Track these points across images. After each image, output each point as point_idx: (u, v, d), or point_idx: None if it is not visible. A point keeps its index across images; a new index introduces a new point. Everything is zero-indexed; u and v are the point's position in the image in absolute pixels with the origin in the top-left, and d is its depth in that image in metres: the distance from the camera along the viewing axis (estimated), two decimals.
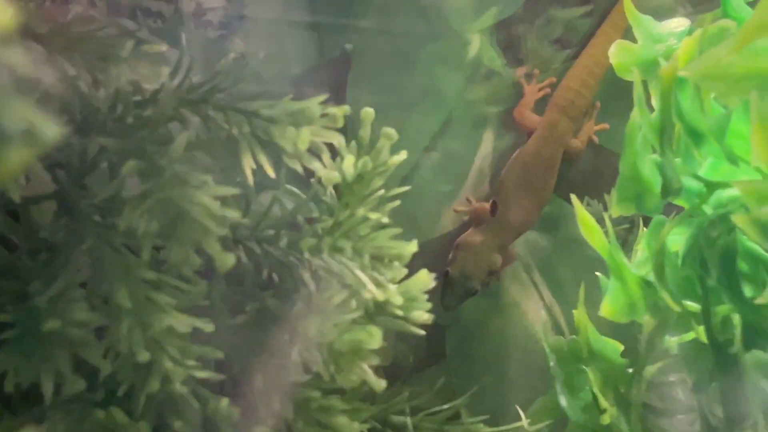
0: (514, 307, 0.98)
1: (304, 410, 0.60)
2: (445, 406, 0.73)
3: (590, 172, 1.01)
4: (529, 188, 0.96)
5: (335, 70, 0.95)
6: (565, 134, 0.98)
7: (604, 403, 0.73)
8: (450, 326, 0.96)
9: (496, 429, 0.74)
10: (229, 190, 0.55)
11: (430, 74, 0.99)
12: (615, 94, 1.00)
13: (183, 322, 0.55)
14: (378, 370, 0.65)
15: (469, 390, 0.79)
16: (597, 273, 0.73)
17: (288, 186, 0.65)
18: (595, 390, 0.74)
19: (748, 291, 0.62)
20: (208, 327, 0.56)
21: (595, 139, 1.00)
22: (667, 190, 0.63)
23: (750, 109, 0.52)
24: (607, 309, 0.71)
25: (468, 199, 0.99)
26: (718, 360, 0.62)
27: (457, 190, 0.99)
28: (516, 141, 1.00)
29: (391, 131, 0.65)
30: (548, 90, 1.01)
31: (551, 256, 1.00)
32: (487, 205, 0.96)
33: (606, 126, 1.00)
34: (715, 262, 0.62)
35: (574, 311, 0.74)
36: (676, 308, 0.64)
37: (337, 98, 0.64)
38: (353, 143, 0.65)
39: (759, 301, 0.53)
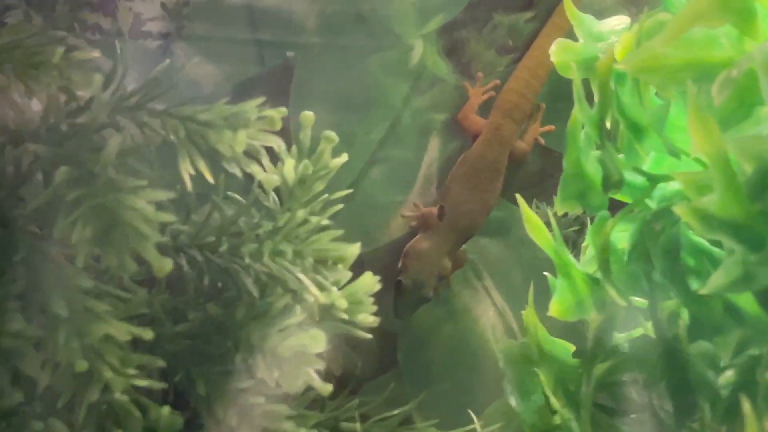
0: (465, 312, 0.97)
1: (248, 417, 0.59)
2: (396, 412, 0.72)
3: (538, 174, 1.01)
4: (476, 192, 0.96)
5: (277, 79, 0.95)
6: (510, 137, 0.98)
7: (555, 404, 0.73)
8: (401, 333, 0.96)
9: None
10: (164, 194, 0.54)
11: (375, 81, 0.99)
12: (560, 96, 1.00)
13: (122, 331, 0.54)
14: (329, 379, 0.65)
15: (421, 396, 0.78)
16: (545, 273, 0.73)
17: (229, 192, 0.64)
18: (547, 391, 0.74)
19: (693, 284, 0.62)
20: (147, 335, 0.55)
21: (541, 140, 1.00)
22: (608, 183, 0.63)
23: (687, 99, 0.52)
24: (555, 308, 0.71)
25: (415, 205, 0.98)
26: (665, 354, 0.61)
27: (405, 196, 0.99)
28: (462, 146, 1.00)
29: (331, 134, 0.65)
30: (492, 93, 1.01)
31: (501, 260, 1.00)
32: (435, 210, 0.95)
33: (551, 128, 1.00)
34: (660, 255, 0.61)
35: (523, 313, 0.74)
36: (623, 303, 0.63)
37: (280, 106, 0.63)
38: (294, 148, 0.64)
39: (703, 292, 0.53)
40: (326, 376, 0.64)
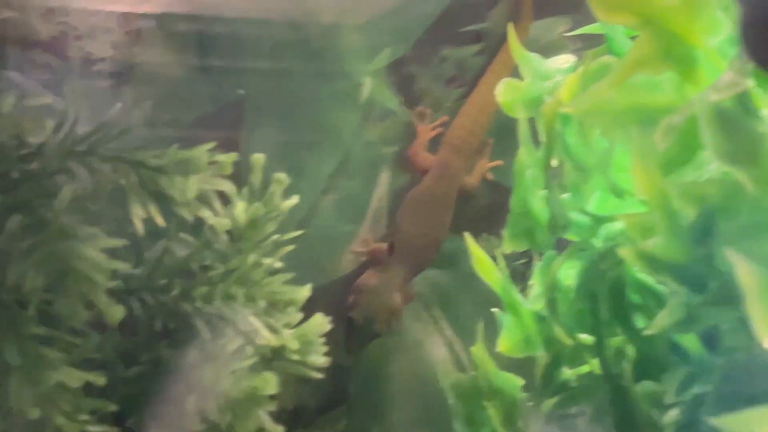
0: (416, 346, 0.98)
1: None
2: None
3: (487, 208, 1.02)
4: (426, 227, 0.97)
5: (229, 115, 0.95)
6: (459, 172, 0.99)
7: None
8: (353, 368, 0.96)
9: None
10: (117, 242, 0.54)
11: (325, 116, 0.99)
12: (509, 131, 1.01)
13: (74, 377, 0.54)
14: (281, 414, 0.65)
15: (372, 430, 0.78)
16: (494, 309, 0.73)
17: (181, 235, 0.64)
18: (496, 426, 0.74)
19: (639, 322, 0.63)
20: (99, 380, 0.55)
21: (489, 175, 1.01)
22: (555, 226, 0.64)
23: (631, 143, 0.53)
24: (503, 344, 0.71)
25: (366, 240, 0.99)
26: (612, 391, 0.62)
27: (355, 231, 0.99)
28: (412, 180, 1.01)
29: (282, 176, 0.65)
30: (441, 129, 1.02)
31: (451, 293, 1.00)
32: (385, 246, 0.96)
33: (500, 163, 1.02)
34: (606, 295, 0.62)
35: (472, 348, 0.74)
36: (570, 341, 0.64)
37: (232, 143, 0.63)
38: (245, 189, 0.65)
39: (648, 332, 0.54)
40: (278, 411, 0.65)
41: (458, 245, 1.00)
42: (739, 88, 0.49)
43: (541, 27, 1.08)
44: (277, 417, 0.67)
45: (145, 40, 0.89)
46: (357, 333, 0.91)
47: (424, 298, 1.00)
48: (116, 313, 0.53)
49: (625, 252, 0.54)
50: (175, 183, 0.58)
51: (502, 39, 1.04)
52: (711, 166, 0.57)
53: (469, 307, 0.99)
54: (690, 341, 0.58)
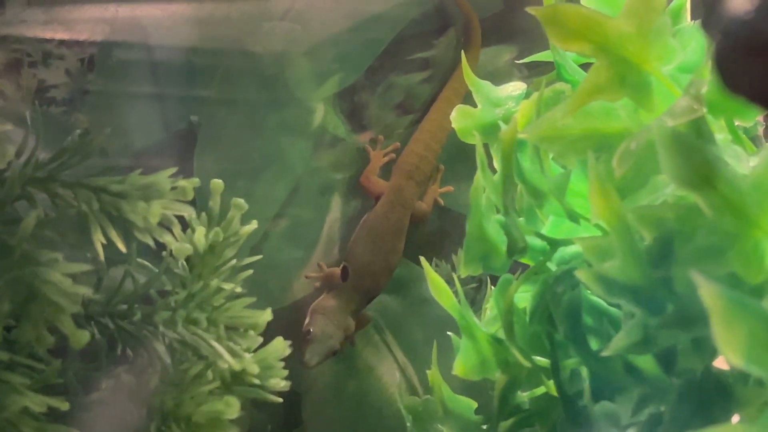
0: (368, 370, 0.98)
1: None
2: None
3: (437, 234, 1.03)
4: (379, 252, 0.97)
5: (181, 141, 0.95)
6: (412, 198, 1.00)
7: None
8: (306, 392, 0.97)
9: None
10: (81, 267, 0.54)
11: (276, 143, 1.00)
12: (459, 157, 1.03)
13: (38, 402, 0.54)
14: None
15: None
16: (449, 333, 0.74)
17: (140, 260, 0.64)
18: None
19: (594, 344, 0.64)
20: (63, 405, 0.55)
21: (440, 201, 1.02)
22: (513, 249, 0.65)
23: (588, 169, 0.54)
24: (459, 368, 0.72)
25: (319, 265, 0.99)
26: (568, 413, 0.63)
27: (308, 257, 1.00)
28: (364, 205, 1.02)
29: (241, 202, 0.66)
30: (393, 155, 1.03)
31: (402, 318, 1.01)
32: (338, 271, 0.97)
33: (450, 189, 1.03)
34: (561, 317, 0.63)
35: (427, 371, 0.75)
36: (526, 364, 0.65)
37: (184, 169, 0.63)
38: (203, 215, 0.65)
39: (605, 354, 0.55)
40: None
41: (408, 272, 1.01)
42: (695, 113, 0.51)
43: (489, 54, 1.09)
44: None
45: (97, 68, 0.89)
46: (315, 347, 0.91)
47: (376, 324, 1.01)
48: (81, 338, 0.53)
49: (582, 274, 0.55)
50: (137, 208, 0.58)
51: (450, 67, 1.05)
52: (666, 190, 0.58)
53: (420, 333, 1.00)
54: (645, 362, 0.59)
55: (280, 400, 0.65)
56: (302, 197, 1.00)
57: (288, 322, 0.95)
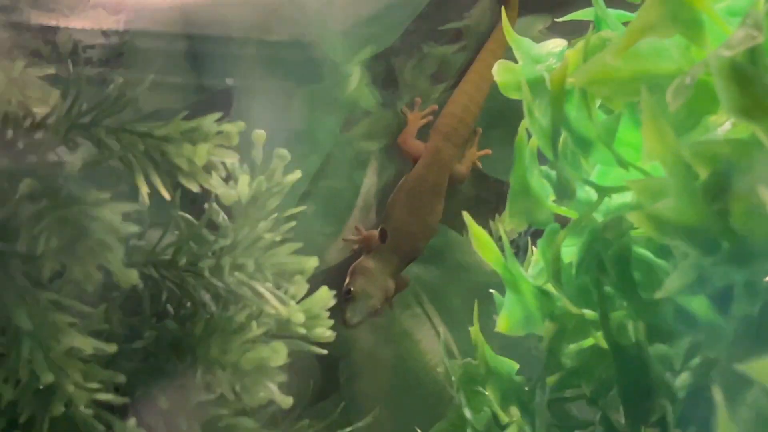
0: (406, 336, 0.98)
1: (211, 429, 0.59)
2: (348, 429, 0.72)
3: (474, 201, 1.02)
4: (417, 214, 0.97)
5: (216, 104, 0.95)
6: (450, 160, 0.99)
7: (504, 418, 0.73)
8: (343, 358, 0.96)
9: None
10: (129, 206, 0.54)
11: (311, 113, 0.99)
12: (497, 123, 1.02)
13: (85, 344, 0.53)
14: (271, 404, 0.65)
15: (364, 419, 0.78)
16: (491, 290, 0.73)
17: (181, 213, 0.64)
18: (495, 408, 0.74)
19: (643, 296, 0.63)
20: (111, 348, 0.54)
21: (479, 164, 1.02)
22: (562, 193, 0.64)
23: (641, 107, 0.53)
24: (503, 324, 0.71)
25: (357, 228, 0.99)
26: (619, 361, 0.62)
27: (343, 222, 0.99)
28: (400, 171, 1.01)
29: (284, 152, 0.65)
30: (431, 118, 1.02)
31: (440, 285, 1.01)
32: (376, 233, 0.96)
33: (488, 152, 1.02)
34: (611, 264, 0.62)
35: (470, 328, 0.74)
36: (575, 311, 0.64)
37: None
38: (245, 166, 0.64)
39: (658, 296, 0.54)
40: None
41: (445, 239, 1.00)
42: (753, 42, 0.50)
43: (522, 24, 1.09)
44: (266, 408, 0.66)
45: (132, 31, 0.89)
46: (357, 305, 0.91)
47: (413, 290, 1.00)
48: (130, 277, 0.52)
49: (635, 216, 0.54)
50: (183, 151, 0.57)
51: (483, 36, 1.04)
52: (719, 129, 0.57)
53: (458, 299, 0.99)
54: (699, 306, 0.58)
55: (325, 351, 0.64)
56: (336, 166, 1.00)
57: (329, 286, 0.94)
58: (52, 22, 0.82)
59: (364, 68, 1.02)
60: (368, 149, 1.03)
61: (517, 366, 0.76)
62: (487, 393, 0.75)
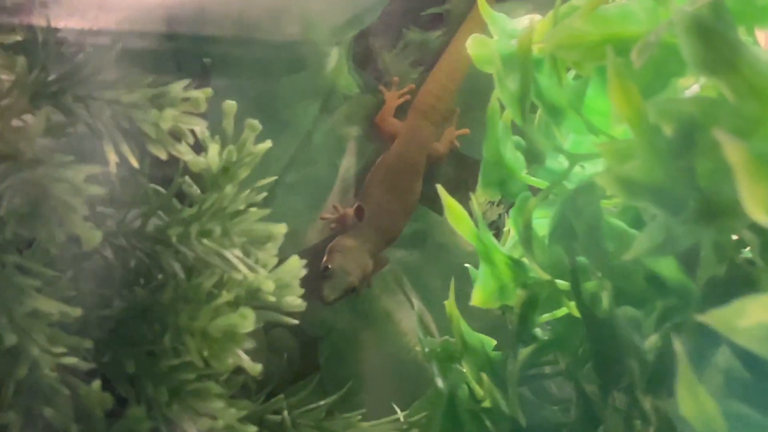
0: (385, 316, 0.97)
1: (178, 394, 0.58)
2: (322, 402, 0.72)
3: (453, 182, 1.02)
4: (395, 192, 0.97)
5: (193, 83, 0.94)
6: (428, 138, 0.99)
7: (480, 392, 0.73)
8: (323, 338, 0.96)
9: (374, 422, 0.73)
10: (92, 168, 0.54)
11: (287, 89, 0.99)
12: (474, 104, 1.02)
13: (50, 306, 0.53)
14: (250, 384, 0.64)
15: (343, 399, 0.78)
16: (467, 265, 0.73)
17: (151, 185, 0.64)
18: (471, 383, 0.74)
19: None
20: (75, 311, 0.54)
21: (457, 143, 1.02)
22: (532, 158, 0.64)
23: (607, 68, 0.53)
24: (478, 297, 0.71)
25: (334, 207, 0.98)
26: (590, 327, 0.62)
27: (321, 203, 0.99)
28: (379, 150, 1.01)
29: (254, 123, 0.64)
30: (408, 97, 1.02)
31: (420, 266, 1.00)
32: (353, 211, 0.96)
33: (467, 131, 1.02)
34: (582, 229, 0.62)
35: (445, 302, 0.74)
36: (546, 277, 0.64)
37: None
38: (216, 137, 0.64)
39: (626, 257, 0.54)
40: (248, 381, 0.64)
41: (426, 221, 1.00)
42: None
43: (503, 9, 1.08)
44: (246, 387, 0.66)
45: (108, 5, 0.88)
46: (335, 283, 0.91)
47: (393, 271, 1.00)
48: (93, 237, 0.52)
49: (602, 178, 0.54)
50: (150, 116, 0.57)
51: (464, 20, 1.04)
52: (685, 92, 0.57)
53: (438, 280, 0.99)
54: (668, 269, 0.58)
55: (296, 321, 0.64)
56: (314, 149, 1.00)
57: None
58: None
59: (343, 52, 1.01)
60: (348, 133, 1.02)
61: (494, 342, 0.76)
62: (464, 369, 0.75)
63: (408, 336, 0.96)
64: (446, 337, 0.77)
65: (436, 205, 0.97)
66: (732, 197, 0.49)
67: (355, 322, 0.97)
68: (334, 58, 0.99)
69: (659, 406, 0.54)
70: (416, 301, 0.94)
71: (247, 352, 0.59)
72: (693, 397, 0.44)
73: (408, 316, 0.97)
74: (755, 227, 0.51)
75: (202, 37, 0.94)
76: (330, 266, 0.91)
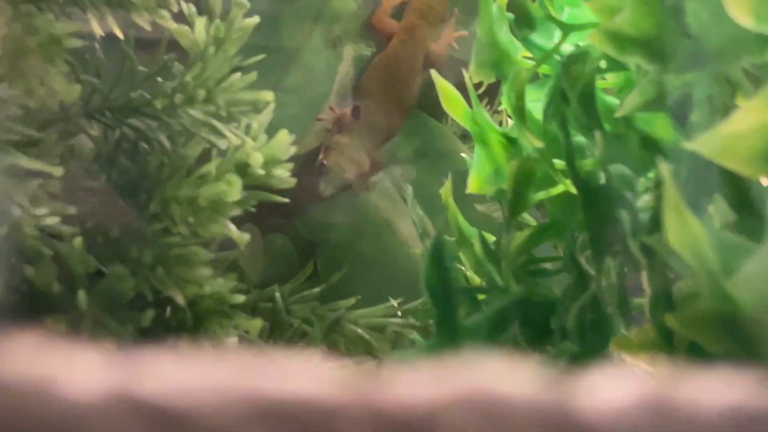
0: (384, 223, 0.97)
1: (163, 258, 0.58)
2: (316, 290, 0.71)
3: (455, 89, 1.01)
4: (391, 91, 0.96)
5: None
6: (425, 38, 0.98)
7: (476, 280, 0.72)
8: (321, 244, 0.95)
9: (369, 309, 0.73)
10: (72, 25, 0.53)
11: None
12: (473, 10, 1.01)
13: (29, 162, 0.52)
14: (247, 290, 0.64)
15: (340, 296, 0.77)
16: (462, 154, 0.73)
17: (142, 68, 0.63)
18: (469, 273, 0.73)
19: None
20: (56, 171, 0.53)
21: (455, 45, 1.00)
22: (525, 21, 0.63)
23: None
24: (473, 183, 0.70)
25: (331, 108, 0.97)
26: (585, 194, 0.61)
27: (319, 107, 0.98)
28: (376, 54, 1.00)
29: (242, 0, 0.63)
30: None
31: (421, 174, 0.99)
32: (349, 111, 0.95)
33: (465, 33, 1.01)
34: (578, 98, 0.61)
35: (440, 190, 0.73)
36: (539, 144, 0.63)
37: None
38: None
39: (618, 114, 0.53)
40: (246, 287, 0.64)
41: (426, 128, 0.99)
42: None
43: None
44: (243, 292, 0.65)
45: None
46: (330, 177, 0.90)
47: (392, 177, 0.99)
48: (72, 91, 0.51)
49: (594, 37, 0.53)
50: None
51: None
52: None
53: (437, 186, 0.98)
54: (661, 129, 0.57)
55: (287, 200, 0.63)
56: (311, 53, 0.98)
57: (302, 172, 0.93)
58: None
59: None
60: (346, 28, 1.01)
61: (493, 238, 0.75)
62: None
63: (408, 242, 0.95)
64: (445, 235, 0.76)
65: (436, 112, 0.96)
66: (723, 39, 0.48)
67: (353, 227, 0.96)
68: None
69: (648, 245, 0.53)
70: (417, 208, 0.93)
71: (244, 256, 0.59)
72: (680, 222, 0.43)
73: (408, 224, 0.96)
74: (746, 71, 0.50)
75: None
76: (325, 162, 0.91)
